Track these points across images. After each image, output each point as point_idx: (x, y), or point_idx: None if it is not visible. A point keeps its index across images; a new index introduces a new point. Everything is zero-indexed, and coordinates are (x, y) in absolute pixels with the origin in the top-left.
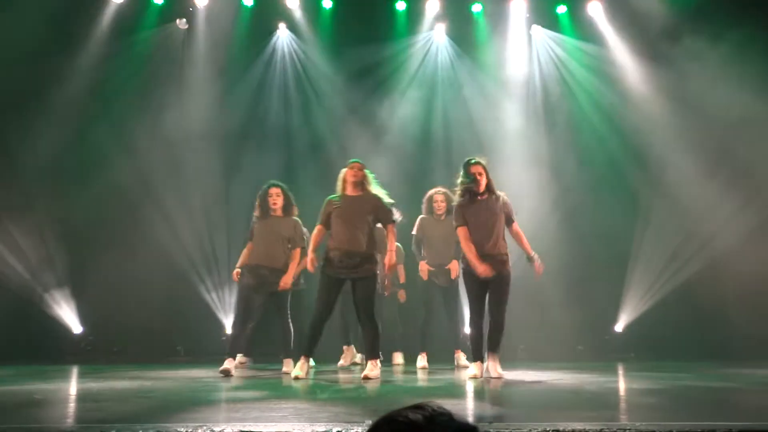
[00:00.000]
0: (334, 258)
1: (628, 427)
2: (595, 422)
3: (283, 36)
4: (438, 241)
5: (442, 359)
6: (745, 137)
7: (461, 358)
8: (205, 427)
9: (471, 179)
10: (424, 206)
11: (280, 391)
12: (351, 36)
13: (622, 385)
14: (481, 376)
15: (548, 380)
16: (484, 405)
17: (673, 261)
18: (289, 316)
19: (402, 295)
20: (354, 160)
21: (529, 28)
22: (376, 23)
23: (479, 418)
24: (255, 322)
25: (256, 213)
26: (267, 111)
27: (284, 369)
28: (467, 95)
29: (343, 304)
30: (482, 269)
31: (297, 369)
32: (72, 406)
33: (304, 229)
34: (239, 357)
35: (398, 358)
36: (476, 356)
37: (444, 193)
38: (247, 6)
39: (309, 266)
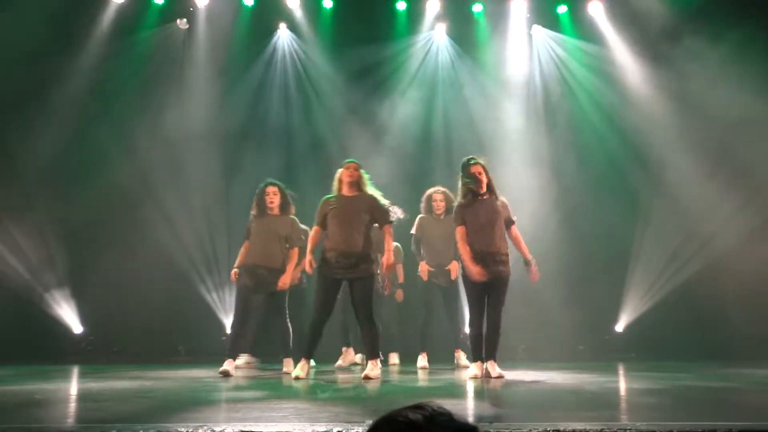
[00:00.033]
0: (331, 258)
1: (629, 427)
2: (595, 422)
3: (283, 36)
4: (437, 241)
5: (442, 359)
6: (745, 137)
7: (461, 357)
8: (205, 427)
9: (472, 179)
10: (423, 205)
11: (280, 391)
12: (351, 36)
13: (622, 385)
14: (482, 376)
15: (548, 380)
16: (485, 405)
17: (674, 261)
18: (287, 315)
19: (399, 295)
20: (350, 160)
21: (530, 28)
22: (376, 23)
23: (479, 418)
24: (257, 322)
25: (253, 212)
26: (267, 111)
27: (284, 369)
28: (468, 95)
29: (344, 305)
30: (475, 271)
31: (297, 369)
32: (72, 406)
33: (304, 226)
34: (246, 357)
35: (394, 358)
36: (476, 356)
37: (443, 193)
38: (247, 6)
39: (307, 268)
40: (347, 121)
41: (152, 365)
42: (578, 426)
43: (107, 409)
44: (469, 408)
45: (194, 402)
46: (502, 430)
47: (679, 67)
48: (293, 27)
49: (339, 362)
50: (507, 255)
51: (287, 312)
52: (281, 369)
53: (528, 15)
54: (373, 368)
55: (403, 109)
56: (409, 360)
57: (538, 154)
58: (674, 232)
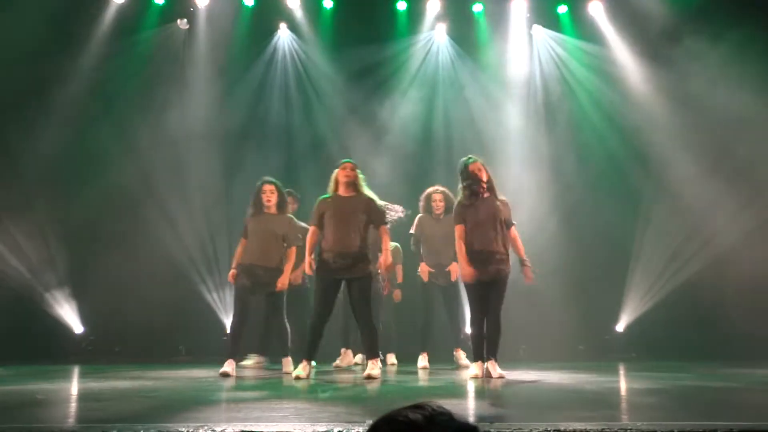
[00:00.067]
0: (329, 259)
1: (629, 427)
2: (596, 422)
3: (283, 36)
4: (437, 241)
5: (442, 359)
6: (745, 137)
7: (461, 356)
8: (206, 427)
9: (472, 178)
10: (421, 204)
11: (281, 391)
12: (352, 36)
13: (623, 385)
14: (482, 376)
15: (549, 380)
16: (485, 405)
17: (674, 261)
18: (284, 315)
19: (397, 295)
20: (346, 160)
21: (530, 27)
22: (376, 23)
23: (480, 418)
24: (260, 322)
25: (249, 210)
26: (268, 111)
27: (284, 369)
28: (468, 95)
29: (345, 306)
30: (468, 272)
31: (299, 370)
32: (73, 405)
33: (303, 224)
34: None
35: (392, 358)
36: (477, 356)
37: (442, 193)
38: (247, 6)
39: (307, 269)
40: (348, 121)
41: (153, 365)
42: (579, 426)
43: (108, 409)
44: (469, 408)
45: (195, 402)
46: (502, 430)
47: (679, 67)
48: (293, 27)
49: (337, 362)
50: (507, 254)
51: (285, 312)
52: (281, 369)
53: (528, 15)
54: (374, 367)
55: (403, 109)
56: (409, 360)
57: (539, 154)
58: (675, 231)
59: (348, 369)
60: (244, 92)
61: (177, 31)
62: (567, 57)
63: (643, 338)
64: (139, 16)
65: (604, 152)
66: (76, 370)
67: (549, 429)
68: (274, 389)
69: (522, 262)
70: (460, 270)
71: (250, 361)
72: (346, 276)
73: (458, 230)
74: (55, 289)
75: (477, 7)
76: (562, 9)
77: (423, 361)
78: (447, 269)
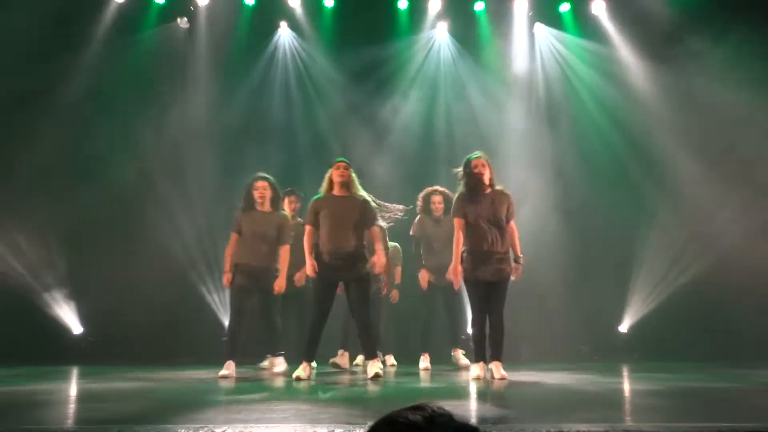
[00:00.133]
0: (325, 259)
1: (633, 429)
2: (599, 424)
3: (284, 35)
4: (437, 243)
5: (444, 360)
6: (750, 136)
7: (460, 356)
8: (206, 429)
9: (474, 174)
10: (419, 204)
11: (281, 393)
12: (352, 35)
13: (626, 387)
14: (484, 377)
15: (551, 381)
16: (487, 406)
17: (678, 261)
18: (276, 314)
19: (395, 296)
20: (340, 159)
21: (532, 26)
22: (377, 22)
23: (482, 419)
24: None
25: (241, 204)
26: (268, 110)
27: (271, 369)
28: (470, 94)
29: (346, 308)
30: (457, 271)
31: (299, 371)
32: (73, 406)
33: (301, 220)
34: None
35: (391, 359)
36: (479, 357)
37: (442, 194)
38: (248, 5)
39: (310, 272)
40: (348, 120)
41: (153, 366)
42: (582, 428)
43: (108, 410)
44: (471, 409)
45: (195, 403)
46: None
47: (683, 66)
48: (294, 26)
49: (333, 360)
50: (508, 254)
51: (277, 311)
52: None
53: (530, 13)
54: (373, 367)
55: (404, 108)
56: (409, 361)
57: (541, 153)
58: (678, 231)
59: (349, 370)
60: (245, 91)
61: (177, 30)
62: (569, 55)
63: (646, 339)
64: (139, 14)
65: (607, 151)
66: (75, 371)
67: (552, 431)
68: (275, 390)
69: (515, 259)
70: (451, 267)
71: (265, 362)
72: (344, 276)
73: (457, 223)
74: (54, 289)
75: (479, 6)
76: (565, 7)
77: (424, 362)
78: (448, 278)
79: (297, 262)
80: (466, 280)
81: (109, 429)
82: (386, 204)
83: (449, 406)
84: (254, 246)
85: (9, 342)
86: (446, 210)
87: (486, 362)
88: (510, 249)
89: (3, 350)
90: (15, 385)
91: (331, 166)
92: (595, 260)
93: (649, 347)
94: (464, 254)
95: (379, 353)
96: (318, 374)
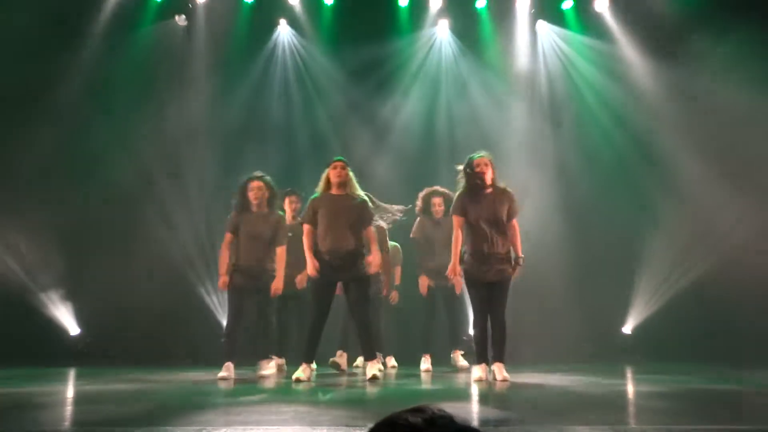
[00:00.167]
0: (323, 259)
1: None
2: (602, 426)
3: (283, 32)
4: (437, 244)
5: (445, 362)
6: (756, 134)
7: (459, 358)
8: (205, 431)
9: (475, 173)
10: (418, 204)
11: (281, 394)
12: (352, 32)
13: (630, 388)
14: (486, 379)
15: (554, 383)
16: (489, 408)
17: (683, 261)
18: (269, 315)
19: (394, 297)
20: (337, 158)
21: (534, 23)
22: (378, 19)
23: (484, 422)
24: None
25: (236, 205)
26: (268, 108)
27: (260, 371)
28: (471, 92)
29: (346, 309)
30: (453, 271)
31: (299, 372)
32: (70, 408)
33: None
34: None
35: (391, 361)
36: (480, 358)
37: (442, 196)
38: (247, 2)
39: (312, 272)
40: (349, 118)
41: (150, 367)
42: (585, 430)
43: (105, 412)
44: (473, 411)
45: (194, 405)
46: None
47: (685, 64)
48: (294, 23)
49: (333, 360)
50: (509, 254)
51: (270, 311)
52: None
53: (532, 10)
54: (372, 368)
55: (405, 106)
56: (410, 362)
57: (543, 152)
58: (683, 231)
59: (347, 371)
60: (244, 90)
61: (176, 27)
62: (572, 53)
63: (650, 340)
64: (136, 12)
65: (610, 150)
66: (72, 373)
67: None
68: (274, 392)
69: (515, 260)
70: (450, 265)
71: (272, 364)
72: (344, 277)
73: (456, 221)
74: (51, 289)
75: (480, 3)
76: (567, 4)
77: (426, 363)
78: (450, 283)
79: (298, 263)
80: (466, 281)
81: None
82: (384, 205)
83: (450, 407)
84: (251, 247)
85: (6, 343)
86: (446, 212)
87: (488, 364)
88: (511, 249)
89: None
90: (12, 387)
91: (328, 165)
92: (598, 260)
93: (653, 348)
94: (464, 255)
95: (379, 355)
96: (318, 376)
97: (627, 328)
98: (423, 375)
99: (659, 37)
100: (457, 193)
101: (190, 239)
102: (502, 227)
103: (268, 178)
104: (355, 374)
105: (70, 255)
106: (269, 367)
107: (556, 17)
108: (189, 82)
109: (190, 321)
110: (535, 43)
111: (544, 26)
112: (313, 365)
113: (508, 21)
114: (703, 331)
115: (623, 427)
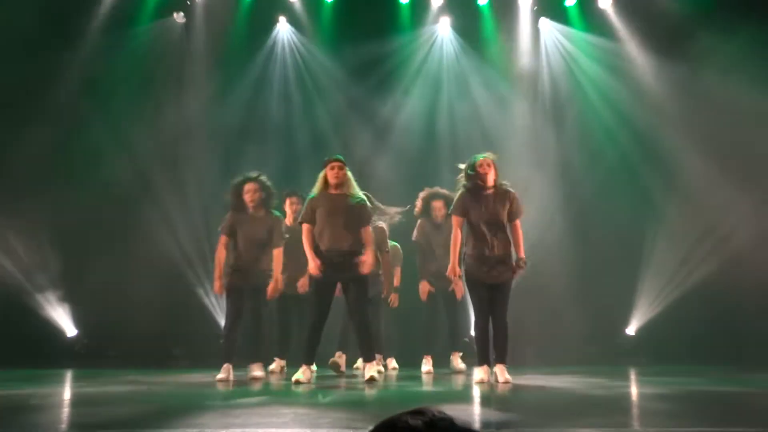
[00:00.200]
0: (323, 260)
1: None
2: (605, 428)
3: (283, 30)
4: (438, 247)
5: (446, 364)
6: (760, 134)
7: (458, 360)
8: None
9: (477, 173)
10: (418, 205)
11: (281, 397)
12: (353, 30)
13: (633, 391)
14: (488, 381)
15: (557, 385)
16: (491, 410)
17: (687, 262)
18: (264, 316)
19: (394, 300)
20: (335, 157)
21: (537, 21)
22: (378, 16)
23: (486, 424)
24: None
25: (231, 207)
26: (267, 107)
27: (251, 374)
28: (473, 90)
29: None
30: (453, 271)
31: (299, 374)
32: (66, 411)
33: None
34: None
35: (392, 362)
36: (482, 360)
37: (443, 199)
38: None
39: (313, 270)
40: (349, 117)
41: (148, 369)
42: None
43: (102, 414)
44: (475, 413)
45: (192, 407)
46: None
47: (690, 62)
48: (293, 20)
49: (333, 360)
50: (510, 256)
51: (265, 312)
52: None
53: (535, 7)
54: (371, 370)
55: (406, 105)
56: (411, 364)
57: (546, 151)
58: (687, 231)
59: (346, 373)
60: (243, 88)
61: (174, 25)
62: (575, 51)
63: (654, 342)
64: (134, 9)
65: (614, 149)
66: (68, 374)
67: None
68: (274, 394)
69: (517, 261)
70: (450, 266)
71: (273, 365)
72: (343, 277)
73: (456, 221)
74: (48, 291)
75: (482, 0)
76: (570, 1)
77: (427, 365)
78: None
79: (299, 266)
80: (467, 282)
81: None
82: (382, 207)
83: (452, 410)
84: (248, 248)
85: (3, 344)
86: (447, 214)
87: (490, 365)
88: (512, 249)
89: None
90: (8, 389)
91: (325, 165)
92: (602, 261)
93: (657, 350)
94: (465, 257)
95: (379, 357)
96: (318, 378)
97: (631, 330)
98: (424, 377)
99: (663, 35)
100: (458, 193)
101: (188, 240)
102: (502, 228)
103: (263, 177)
104: (354, 376)
105: (67, 256)
106: (257, 369)
107: (559, 14)
108: (187, 80)
109: (188, 322)
110: (538, 41)
111: (546, 23)
112: (313, 367)
113: (511, 18)
114: (708, 333)
115: (626, 430)
